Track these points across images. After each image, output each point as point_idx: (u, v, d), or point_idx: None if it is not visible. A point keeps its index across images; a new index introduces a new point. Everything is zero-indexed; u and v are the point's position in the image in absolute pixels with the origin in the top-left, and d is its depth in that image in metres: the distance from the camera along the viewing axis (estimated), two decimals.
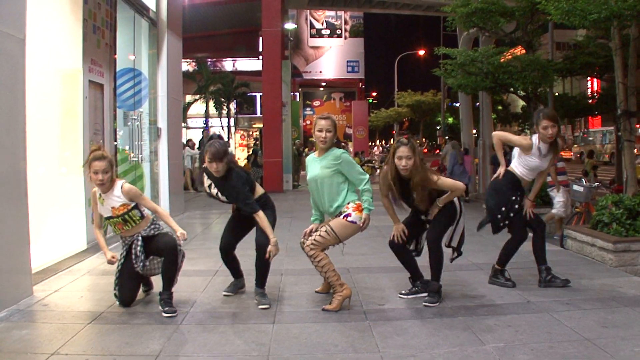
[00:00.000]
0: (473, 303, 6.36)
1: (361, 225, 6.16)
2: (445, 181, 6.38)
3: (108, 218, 6.22)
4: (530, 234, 7.17)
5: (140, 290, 6.58)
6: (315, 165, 6.24)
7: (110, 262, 6.23)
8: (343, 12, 57.86)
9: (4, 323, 5.70)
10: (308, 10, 57.70)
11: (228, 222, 6.73)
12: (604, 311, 5.99)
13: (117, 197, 6.14)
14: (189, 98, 35.32)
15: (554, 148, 6.98)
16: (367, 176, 6.32)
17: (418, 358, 4.79)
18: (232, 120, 37.94)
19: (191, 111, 36.38)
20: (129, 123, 12.02)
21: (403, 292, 6.68)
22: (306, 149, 29.30)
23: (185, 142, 26.53)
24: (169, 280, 6.16)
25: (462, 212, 6.54)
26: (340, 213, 6.15)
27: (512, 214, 6.96)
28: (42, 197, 8.27)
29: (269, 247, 6.15)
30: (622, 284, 7.11)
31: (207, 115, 35.38)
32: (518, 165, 7.05)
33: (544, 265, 7.09)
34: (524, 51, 16.48)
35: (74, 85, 9.29)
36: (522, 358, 4.76)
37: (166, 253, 6.11)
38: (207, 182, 6.37)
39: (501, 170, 7.10)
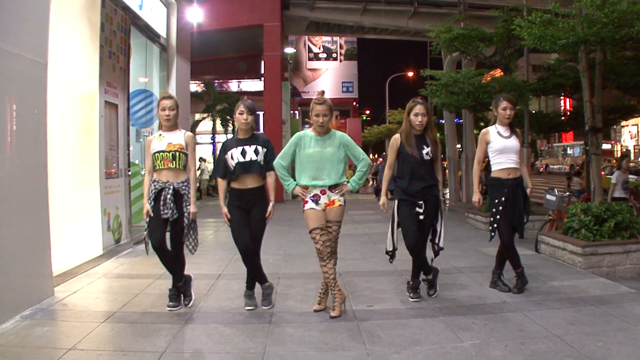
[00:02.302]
0: (454, 304, 6.36)
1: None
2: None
3: (160, 152, 6.11)
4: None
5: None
6: (317, 142, 6.03)
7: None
8: (338, 37, 58.11)
9: (27, 320, 5.74)
10: (306, 36, 57.92)
11: (235, 221, 6.13)
12: (572, 310, 6.02)
13: (177, 137, 6.22)
14: (197, 116, 35.36)
15: (514, 130, 6.93)
16: (367, 158, 6.25)
17: (401, 355, 4.80)
18: None
19: (200, 128, 36.38)
20: (141, 139, 12.06)
21: (410, 296, 6.57)
22: None
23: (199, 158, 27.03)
24: (175, 275, 6.26)
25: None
26: (336, 186, 6.00)
27: (498, 216, 6.73)
28: (62, 207, 8.30)
29: (269, 209, 6.17)
30: (589, 285, 7.14)
31: (214, 132, 35.39)
32: (491, 160, 6.90)
33: (498, 270, 7.08)
34: (502, 73, 16.56)
35: (91, 105, 9.34)
36: (496, 354, 4.78)
37: (173, 248, 6.18)
38: (229, 155, 6.08)
39: (475, 198, 7.02)
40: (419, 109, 6.33)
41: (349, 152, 6.12)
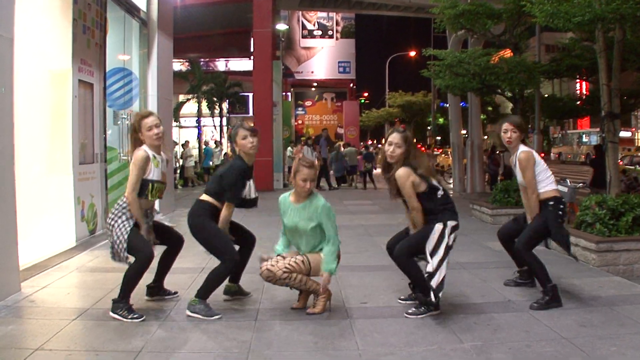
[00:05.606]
0: (454, 302, 6.37)
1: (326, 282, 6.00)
2: (411, 196, 5.97)
3: (158, 182, 6.08)
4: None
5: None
6: (294, 213, 6.03)
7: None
8: (334, 13, 57.94)
9: None
10: (300, 12, 57.74)
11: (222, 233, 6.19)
12: (583, 310, 6.03)
13: (163, 160, 6.24)
14: (181, 97, 35.27)
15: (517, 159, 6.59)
16: (336, 237, 6.01)
17: (396, 356, 4.82)
18: (224, 119, 37.95)
19: (184, 110, 36.31)
20: (119, 122, 12.02)
21: (402, 297, 6.54)
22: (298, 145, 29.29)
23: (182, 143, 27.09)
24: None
25: (443, 241, 5.87)
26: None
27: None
28: (32, 196, 8.28)
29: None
30: (603, 284, 7.15)
31: (199, 115, 35.32)
32: (544, 179, 6.55)
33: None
34: (511, 53, 16.52)
35: (63, 84, 9.27)
36: (499, 357, 4.80)
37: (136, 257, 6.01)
38: (247, 187, 6.20)
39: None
40: (393, 137, 6.09)
41: (322, 224, 5.97)
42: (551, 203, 6.39)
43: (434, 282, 5.73)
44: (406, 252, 6.03)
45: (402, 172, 5.93)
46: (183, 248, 6.54)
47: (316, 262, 5.97)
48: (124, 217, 5.85)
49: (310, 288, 5.99)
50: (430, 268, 5.78)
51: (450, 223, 5.92)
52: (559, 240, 6.49)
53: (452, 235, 5.94)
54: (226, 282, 6.43)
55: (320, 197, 6.03)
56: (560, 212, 6.42)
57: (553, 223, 6.39)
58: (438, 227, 5.86)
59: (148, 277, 6.27)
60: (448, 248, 5.86)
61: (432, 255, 5.81)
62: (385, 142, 6.20)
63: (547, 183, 6.49)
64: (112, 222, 5.87)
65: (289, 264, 5.85)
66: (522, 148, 6.54)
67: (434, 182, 6.07)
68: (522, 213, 6.88)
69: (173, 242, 6.47)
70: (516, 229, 6.81)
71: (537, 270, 6.38)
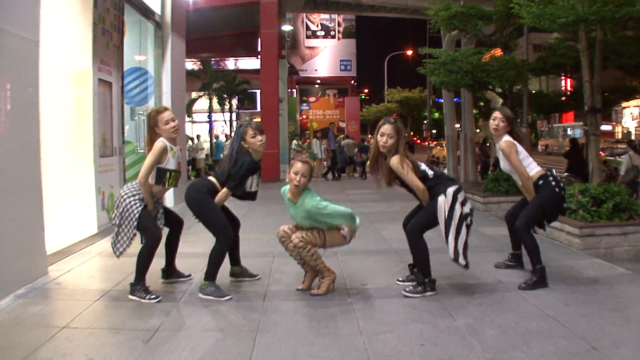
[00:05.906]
0: (449, 283, 6.38)
1: (347, 239, 6.04)
2: (413, 179, 5.94)
3: (175, 171, 6.12)
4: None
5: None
6: (292, 210, 6.06)
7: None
8: (336, 15, 57.77)
9: (21, 299, 5.80)
10: (304, 14, 57.63)
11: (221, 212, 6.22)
12: (567, 290, 6.08)
13: (179, 150, 6.30)
14: (194, 95, 35.35)
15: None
16: (335, 210, 5.94)
17: (394, 333, 4.86)
18: (234, 115, 38.04)
19: (196, 107, 36.43)
20: (136, 118, 12.08)
21: (400, 278, 6.54)
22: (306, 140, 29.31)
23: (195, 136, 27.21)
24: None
25: (449, 208, 5.84)
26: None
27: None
28: (57, 186, 8.32)
29: None
30: (585, 266, 7.20)
31: (210, 111, 35.42)
32: (529, 164, 6.54)
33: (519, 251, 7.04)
34: (502, 52, 16.52)
35: (84, 83, 9.32)
36: (489, 333, 4.85)
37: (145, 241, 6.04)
38: (249, 181, 6.22)
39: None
40: (385, 128, 6.03)
41: (322, 220, 5.97)
42: (541, 182, 6.36)
43: (461, 259, 5.83)
44: (418, 228, 6.06)
45: (396, 160, 5.93)
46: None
47: (331, 236, 5.98)
48: (137, 197, 5.90)
49: (318, 266, 6.00)
50: (451, 248, 5.84)
51: (450, 190, 5.87)
52: (551, 211, 6.49)
53: (459, 199, 5.88)
54: (230, 266, 6.57)
55: (309, 197, 5.91)
56: (554, 184, 6.33)
57: (550, 196, 6.34)
58: (441, 199, 5.85)
59: (161, 261, 6.41)
60: (460, 215, 5.84)
61: (447, 230, 5.83)
62: (377, 132, 6.13)
63: (531, 168, 6.46)
64: (125, 197, 5.91)
65: (306, 234, 5.88)
66: (505, 138, 6.49)
67: (422, 165, 6.10)
68: (522, 198, 6.83)
69: (174, 224, 6.51)
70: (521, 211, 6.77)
71: (531, 250, 6.35)
